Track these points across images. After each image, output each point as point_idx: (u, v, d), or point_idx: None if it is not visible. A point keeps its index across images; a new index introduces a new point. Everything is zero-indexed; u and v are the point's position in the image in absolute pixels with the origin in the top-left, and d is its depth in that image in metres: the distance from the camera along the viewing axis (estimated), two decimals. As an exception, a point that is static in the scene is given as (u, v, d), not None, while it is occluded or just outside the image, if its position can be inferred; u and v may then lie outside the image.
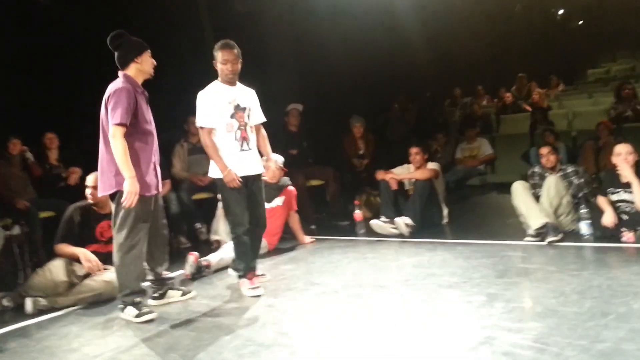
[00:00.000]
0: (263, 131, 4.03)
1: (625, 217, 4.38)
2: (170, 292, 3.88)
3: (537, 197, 4.78)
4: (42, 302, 3.92)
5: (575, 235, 4.61)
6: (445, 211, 5.84)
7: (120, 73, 3.56)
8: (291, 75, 8.56)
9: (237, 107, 3.77)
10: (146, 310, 3.52)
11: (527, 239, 4.62)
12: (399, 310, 3.21)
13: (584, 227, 4.56)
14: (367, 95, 9.47)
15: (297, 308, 3.44)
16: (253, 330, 3.13)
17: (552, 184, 4.71)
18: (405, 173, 5.80)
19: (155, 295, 3.83)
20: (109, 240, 3.97)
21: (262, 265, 4.22)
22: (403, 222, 5.30)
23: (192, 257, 4.51)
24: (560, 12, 15.38)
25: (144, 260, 3.62)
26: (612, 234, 4.33)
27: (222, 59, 3.73)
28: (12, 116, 5.90)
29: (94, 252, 4.18)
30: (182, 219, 5.98)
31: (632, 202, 4.36)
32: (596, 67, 15.22)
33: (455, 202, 6.17)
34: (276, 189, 5.20)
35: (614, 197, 4.50)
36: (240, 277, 3.95)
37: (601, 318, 2.77)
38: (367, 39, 8.97)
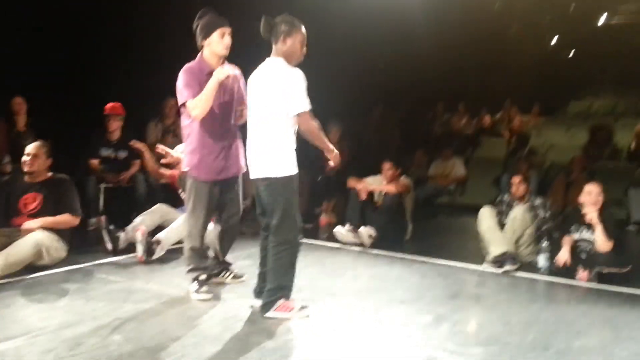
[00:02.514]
0: None
1: (583, 255, 4.44)
2: (224, 274, 3.92)
3: (502, 225, 4.85)
4: None
5: (532, 267, 4.68)
6: (410, 227, 5.88)
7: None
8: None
9: None
10: (204, 289, 3.57)
11: (484, 265, 4.69)
12: (345, 320, 3.23)
13: (542, 260, 4.64)
14: (348, 98, 9.40)
15: (246, 305, 3.41)
16: (200, 322, 3.12)
17: (518, 215, 4.78)
18: (377, 184, 5.82)
19: (211, 273, 3.82)
20: (33, 214, 4.16)
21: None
22: (367, 232, 5.32)
23: (140, 231, 4.44)
24: (554, 41, 15.59)
25: (201, 240, 3.64)
26: (567, 271, 4.40)
27: (303, 37, 3.20)
28: None
29: (18, 225, 4.17)
30: (147, 201, 5.90)
31: (592, 242, 4.43)
32: (579, 99, 15.44)
33: (422, 220, 6.21)
34: None
35: (576, 235, 4.56)
36: (278, 300, 3.20)
37: (542, 351, 2.83)
38: (355, 42, 8.93)
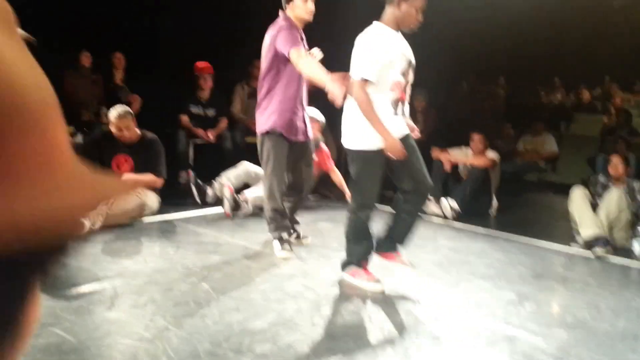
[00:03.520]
0: None
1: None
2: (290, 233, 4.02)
3: (594, 207, 4.62)
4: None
5: (626, 253, 4.43)
6: (495, 203, 5.72)
7: (280, 12, 3.59)
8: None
9: (410, 63, 3.02)
10: (287, 248, 3.71)
11: (573, 246, 4.49)
12: (426, 290, 3.21)
13: (637, 246, 4.39)
14: (437, 67, 9.14)
15: (327, 266, 3.49)
16: (282, 279, 3.22)
17: (614, 198, 4.53)
18: (463, 157, 5.68)
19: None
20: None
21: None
22: (448, 204, 5.23)
23: (227, 188, 4.58)
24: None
25: (281, 200, 3.74)
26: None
27: (417, 3, 2.92)
28: (84, 30, 5.87)
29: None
30: (233, 158, 6.08)
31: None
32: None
33: (507, 195, 6.02)
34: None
35: (676, 222, 4.29)
36: (348, 265, 3.25)
37: (632, 341, 2.69)
38: (459, 16, 8.62)
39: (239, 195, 4.69)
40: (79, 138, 5.18)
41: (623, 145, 6.65)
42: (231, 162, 5.94)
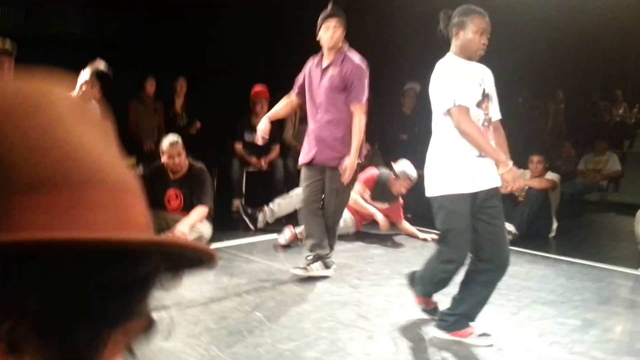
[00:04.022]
0: (501, 130, 2.92)
1: None
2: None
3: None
4: None
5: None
6: (555, 225, 5.51)
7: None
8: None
9: (484, 94, 2.74)
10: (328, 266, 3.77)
11: (641, 269, 4.27)
12: (486, 318, 3.10)
13: None
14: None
15: (380, 294, 3.44)
16: (334, 307, 3.19)
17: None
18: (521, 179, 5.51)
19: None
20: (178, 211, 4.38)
21: (350, 245, 4.24)
22: (506, 229, 5.07)
23: (290, 231, 4.61)
24: None
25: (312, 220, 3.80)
26: None
27: (478, 27, 2.71)
28: (149, 57, 5.92)
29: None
30: (284, 186, 6.10)
31: None
32: None
33: (568, 217, 5.79)
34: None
35: None
36: (447, 328, 2.79)
37: None
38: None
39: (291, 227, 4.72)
40: (141, 169, 5.27)
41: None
42: (283, 190, 6.00)
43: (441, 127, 2.70)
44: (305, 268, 3.67)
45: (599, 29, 9.27)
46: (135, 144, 5.55)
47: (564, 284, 3.85)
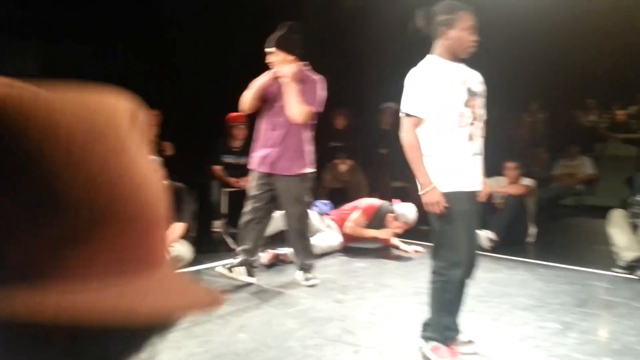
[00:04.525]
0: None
1: None
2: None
3: (634, 228, 4.49)
4: None
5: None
6: (533, 230, 5.62)
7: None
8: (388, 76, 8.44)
9: (470, 92, 2.66)
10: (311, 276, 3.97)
11: (615, 270, 4.36)
12: (468, 326, 3.15)
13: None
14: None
15: (365, 308, 3.48)
16: (319, 323, 3.21)
17: (654, 217, 4.41)
18: (497, 186, 5.62)
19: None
20: None
21: (333, 260, 4.28)
22: (486, 236, 5.16)
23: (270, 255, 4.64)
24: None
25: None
26: None
27: (466, 24, 2.62)
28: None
29: None
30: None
31: None
32: None
33: (545, 222, 5.90)
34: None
35: None
36: (428, 339, 2.72)
37: (685, 367, 2.59)
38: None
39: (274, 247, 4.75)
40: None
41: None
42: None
43: (425, 132, 2.62)
44: (229, 269, 3.90)
45: (572, 41, 9.57)
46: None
47: (542, 288, 3.93)
